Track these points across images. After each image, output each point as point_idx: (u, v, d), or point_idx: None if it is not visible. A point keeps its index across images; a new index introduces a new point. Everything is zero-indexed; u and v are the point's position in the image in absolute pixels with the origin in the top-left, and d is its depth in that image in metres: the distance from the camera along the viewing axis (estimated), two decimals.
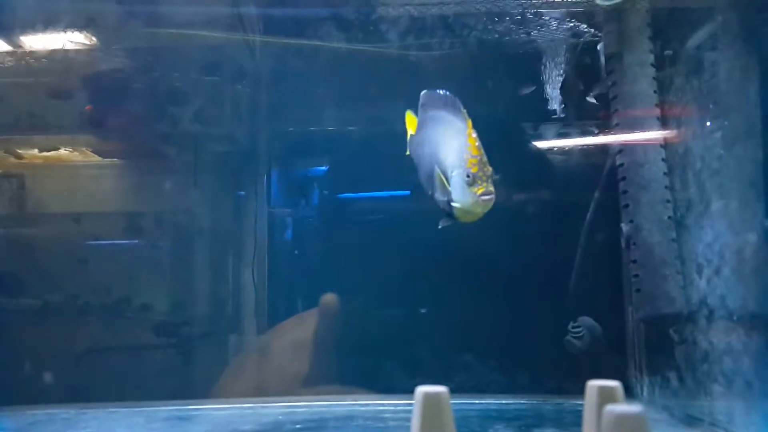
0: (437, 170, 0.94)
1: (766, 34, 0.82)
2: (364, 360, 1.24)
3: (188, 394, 1.21)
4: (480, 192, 0.88)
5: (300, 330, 1.25)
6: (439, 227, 0.95)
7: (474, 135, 0.89)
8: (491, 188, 0.88)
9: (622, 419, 0.48)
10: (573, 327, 1.14)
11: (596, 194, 1.16)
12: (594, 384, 0.56)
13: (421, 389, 0.55)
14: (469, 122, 0.90)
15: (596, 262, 1.19)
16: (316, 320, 1.23)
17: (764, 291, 0.78)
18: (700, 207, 0.94)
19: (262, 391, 1.23)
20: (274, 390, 1.22)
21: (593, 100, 1.24)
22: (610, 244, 1.14)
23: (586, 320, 1.15)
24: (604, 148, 1.18)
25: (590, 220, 1.16)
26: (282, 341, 1.28)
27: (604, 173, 1.15)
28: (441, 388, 0.55)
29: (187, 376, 1.33)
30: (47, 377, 1.25)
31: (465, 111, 0.92)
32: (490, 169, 0.89)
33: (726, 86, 0.87)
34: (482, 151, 0.89)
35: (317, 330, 1.22)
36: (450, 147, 0.93)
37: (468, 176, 0.88)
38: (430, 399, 0.54)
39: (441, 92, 0.97)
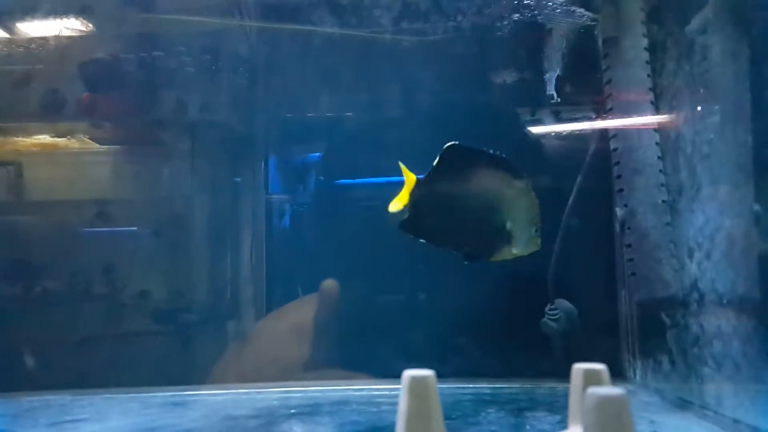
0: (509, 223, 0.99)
1: (757, 18, 0.81)
2: (361, 345, 1.24)
3: (187, 381, 1.22)
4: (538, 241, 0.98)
5: (298, 315, 1.26)
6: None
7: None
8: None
9: (603, 401, 0.48)
10: (550, 309, 1.14)
11: (578, 178, 1.16)
12: (579, 367, 0.56)
13: (408, 373, 0.55)
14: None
15: (588, 246, 1.19)
16: (314, 305, 1.23)
17: (752, 275, 0.78)
18: (691, 191, 0.94)
19: (259, 375, 1.23)
20: (272, 375, 1.23)
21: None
22: (603, 228, 1.14)
23: (562, 303, 1.15)
24: (597, 132, 1.18)
25: (570, 203, 1.16)
26: (280, 326, 1.29)
27: (588, 157, 1.15)
28: (428, 372, 0.55)
29: (186, 363, 1.33)
30: (45, 364, 1.26)
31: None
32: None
33: (717, 70, 0.87)
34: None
35: (316, 315, 1.23)
36: (518, 205, 0.99)
37: (536, 230, 0.97)
38: (416, 382, 0.55)
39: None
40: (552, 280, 1.15)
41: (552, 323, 1.14)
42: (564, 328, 1.14)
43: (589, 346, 1.17)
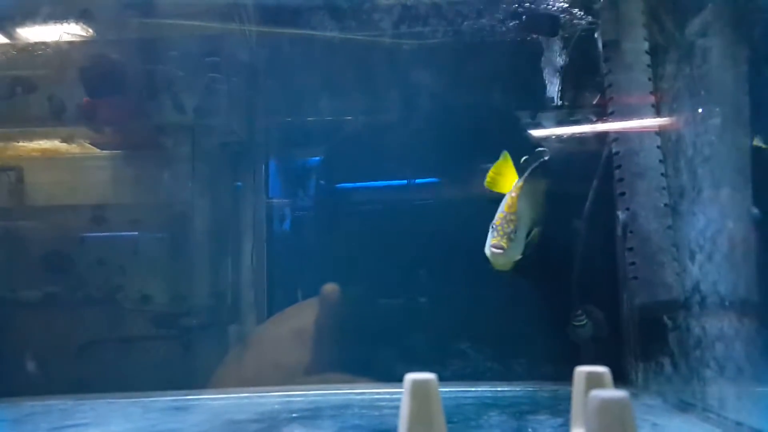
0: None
1: (756, 21, 0.81)
2: (362, 348, 1.24)
3: (188, 385, 1.22)
4: (492, 242, 0.95)
5: (299, 319, 1.25)
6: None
7: (515, 193, 0.97)
8: (503, 243, 0.95)
9: (606, 404, 0.48)
10: (576, 315, 1.14)
11: (594, 182, 1.15)
12: (582, 370, 0.56)
13: (410, 376, 0.55)
14: (521, 183, 0.99)
15: (592, 249, 1.18)
16: (315, 309, 1.23)
17: (753, 277, 0.78)
18: (692, 194, 0.94)
19: (261, 379, 1.23)
20: (274, 379, 1.23)
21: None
22: (606, 232, 1.14)
23: (589, 309, 1.15)
24: (600, 136, 1.18)
25: (588, 207, 1.16)
26: (281, 330, 1.29)
27: (602, 161, 1.15)
28: (429, 375, 0.55)
29: (187, 367, 1.33)
30: (47, 369, 1.26)
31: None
32: (512, 227, 0.96)
33: (717, 73, 0.87)
34: (515, 209, 0.96)
35: (317, 319, 1.23)
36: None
37: (492, 227, 0.96)
38: (418, 386, 0.55)
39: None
40: (576, 286, 1.15)
41: (579, 329, 1.13)
42: (591, 334, 1.14)
43: (592, 348, 1.17)
